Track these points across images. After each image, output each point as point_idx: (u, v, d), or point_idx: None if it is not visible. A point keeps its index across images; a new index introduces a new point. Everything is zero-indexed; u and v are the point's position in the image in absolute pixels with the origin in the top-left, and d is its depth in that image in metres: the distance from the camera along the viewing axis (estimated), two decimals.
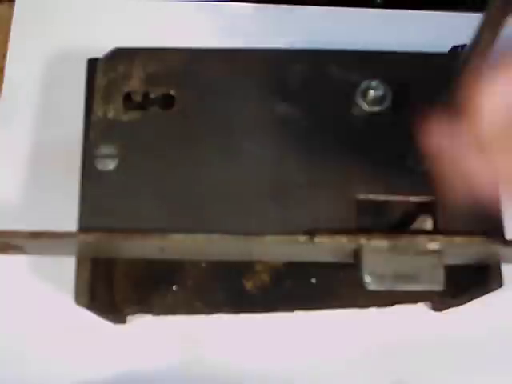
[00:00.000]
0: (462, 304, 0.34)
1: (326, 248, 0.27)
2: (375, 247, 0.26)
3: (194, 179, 0.27)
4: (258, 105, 0.28)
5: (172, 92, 0.28)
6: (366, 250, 0.26)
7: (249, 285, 0.36)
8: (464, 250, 0.27)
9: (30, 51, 0.40)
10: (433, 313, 0.36)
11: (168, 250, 0.27)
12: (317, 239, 0.26)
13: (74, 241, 0.26)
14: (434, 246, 0.26)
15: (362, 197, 0.28)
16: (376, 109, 0.29)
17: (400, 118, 0.29)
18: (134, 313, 0.36)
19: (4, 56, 0.41)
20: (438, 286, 0.26)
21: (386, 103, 0.29)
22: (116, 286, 0.35)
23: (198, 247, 0.27)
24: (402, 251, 0.26)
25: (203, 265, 0.37)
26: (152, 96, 0.28)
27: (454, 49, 0.32)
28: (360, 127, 0.29)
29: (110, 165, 0.27)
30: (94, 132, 0.28)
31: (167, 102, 0.28)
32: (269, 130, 0.28)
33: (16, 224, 0.26)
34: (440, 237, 0.26)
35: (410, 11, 0.42)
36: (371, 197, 0.28)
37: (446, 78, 0.24)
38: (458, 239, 0.26)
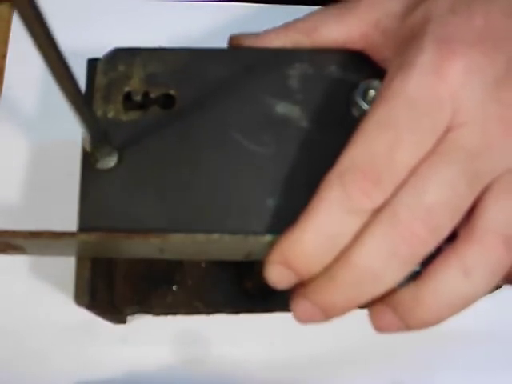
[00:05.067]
0: None
1: None
2: None
3: (193, 179, 0.27)
4: (258, 105, 0.28)
5: (172, 92, 0.28)
6: None
7: (249, 285, 0.36)
8: None
9: (30, 51, 0.40)
10: None
11: (168, 250, 0.27)
12: None
13: (74, 241, 0.26)
14: None
15: None
16: None
17: None
18: (133, 313, 0.36)
19: (4, 56, 0.41)
20: None
21: None
22: (116, 286, 0.35)
23: (198, 247, 0.27)
24: None
25: (203, 265, 0.37)
26: (152, 96, 0.28)
27: None
28: None
29: (110, 164, 0.27)
30: None
31: (167, 101, 0.28)
32: (269, 130, 0.28)
33: (16, 224, 0.26)
34: None
35: None
36: None
37: None
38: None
